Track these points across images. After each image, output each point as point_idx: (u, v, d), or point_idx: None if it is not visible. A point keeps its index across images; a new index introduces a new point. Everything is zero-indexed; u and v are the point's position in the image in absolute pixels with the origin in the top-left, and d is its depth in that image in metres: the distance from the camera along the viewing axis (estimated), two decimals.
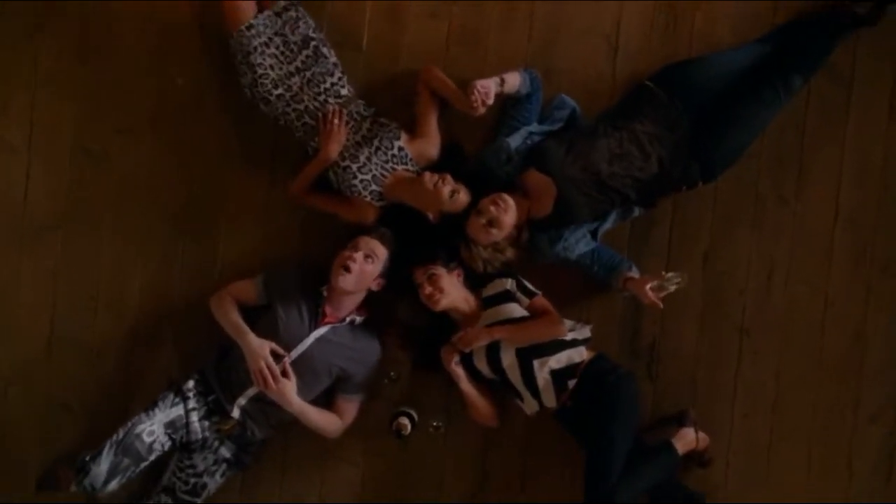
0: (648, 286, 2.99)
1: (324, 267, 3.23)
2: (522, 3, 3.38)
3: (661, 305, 3.03)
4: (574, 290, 3.39)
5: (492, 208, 3.10)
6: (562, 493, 3.43)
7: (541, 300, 3.24)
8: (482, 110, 3.05)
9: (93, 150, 3.48)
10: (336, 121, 3.17)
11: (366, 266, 3.16)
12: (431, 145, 3.27)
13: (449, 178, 3.11)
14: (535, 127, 3.25)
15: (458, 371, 3.22)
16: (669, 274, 2.96)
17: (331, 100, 3.23)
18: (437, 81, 3.27)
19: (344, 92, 3.26)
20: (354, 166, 3.20)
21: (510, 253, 3.18)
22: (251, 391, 3.20)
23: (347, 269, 3.13)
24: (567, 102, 3.31)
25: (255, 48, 3.20)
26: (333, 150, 3.17)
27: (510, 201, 3.11)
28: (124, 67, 3.46)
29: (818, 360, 3.43)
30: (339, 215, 3.29)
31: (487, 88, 3.05)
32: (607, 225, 3.28)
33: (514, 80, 3.19)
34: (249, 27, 3.20)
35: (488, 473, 3.49)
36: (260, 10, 3.23)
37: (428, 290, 3.17)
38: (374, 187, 3.22)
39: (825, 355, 3.43)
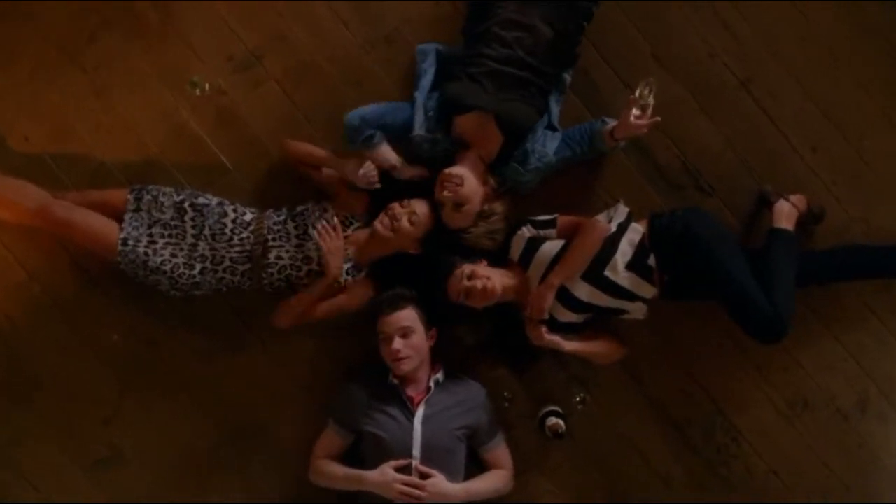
0: (632, 116, 2.85)
1: (370, 359, 3.14)
2: (314, 4, 3.25)
3: (658, 118, 2.88)
4: (577, 190, 3.24)
5: (445, 193, 2.97)
6: (732, 354, 3.28)
7: (563, 219, 3.10)
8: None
9: (102, 458, 3.32)
10: (327, 238, 3.02)
11: (410, 342, 3.05)
12: (353, 195, 3.14)
13: (396, 207, 3.02)
14: (421, 96, 3.09)
15: (554, 339, 3.03)
16: (637, 90, 2.82)
17: (244, 233, 3.07)
18: (300, 156, 3.15)
19: (248, 217, 3.11)
20: (315, 267, 3.07)
21: (499, 207, 3.03)
22: None
23: (401, 359, 3.04)
24: (424, 49, 3.18)
25: (146, 253, 3.01)
26: (336, 266, 3.03)
27: (455, 172, 2.97)
28: (61, 371, 3.30)
29: (828, 45, 3.22)
30: (345, 310, 3.15)
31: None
32: (555, 110, 3.13)
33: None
34: (125, 242, 3.01)
35: (660, 397, 3.31)
36: (119, 220, 3.06)
37: (479, 285, 2.96)
38: (345, 266, 3.08)
39: (833, 40, 3.21)
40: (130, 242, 3.00)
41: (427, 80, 3.11)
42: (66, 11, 3.21)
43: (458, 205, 2.96)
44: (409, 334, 3.02)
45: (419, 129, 3.04)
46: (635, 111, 2.84)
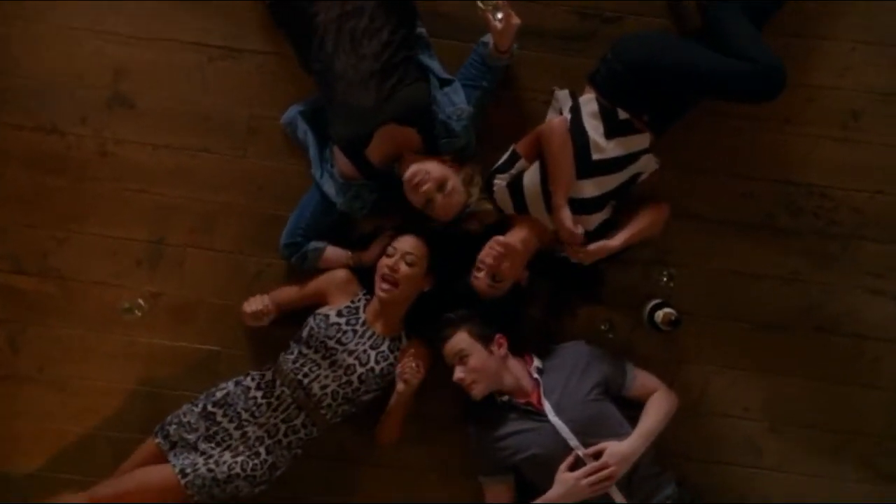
0: (497, 23, 2.76)
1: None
2: (163, 160, 3.07)
3: (514, 18, 2.76)
4: (510, 115, 3.07)
5: (423, 189, 2.81)
6: (753, 129, 3.06)
7: (521, 144, 2.93)
8: None
9: None
10: (412, 362, 2.87)
11: (469, 365, 2.88)
12: (333, 280, 3.03)
13: (384, 261, 2.89)
14: (316, 170, 3.00)
15: (597, 246, 2.86)
16: (479, 3, 2.74)
17: (276, 391, 2.94)
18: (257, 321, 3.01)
19: (269, 376, 2.99)
20: (361, 369, 2.90)
21: (470, 167, 2.90)
22: (618, 496, 2.87)
23: (468, 386, 2.88)
24: (288, 120, 3.05)
25: (210, 469, 2.86)
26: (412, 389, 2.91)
27: (414, 170, 2.83)
28: None
29: None
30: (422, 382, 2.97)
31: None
32: (434, 65, 2.97)
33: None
34: (184, 472, 2.85)
35: (729, 215, 3.12)
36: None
37: (492, 256, 2.84)
38: (384, 347, 2.94)
39: None
40: (189, 470, 2.85)
41: (312, 150, 2.99)
42: None
43: (441, 188, 2.81)
44: (465, 358, 2.87)
45: (337, 198, 2.94)
46: (496, 16, 2.72)
